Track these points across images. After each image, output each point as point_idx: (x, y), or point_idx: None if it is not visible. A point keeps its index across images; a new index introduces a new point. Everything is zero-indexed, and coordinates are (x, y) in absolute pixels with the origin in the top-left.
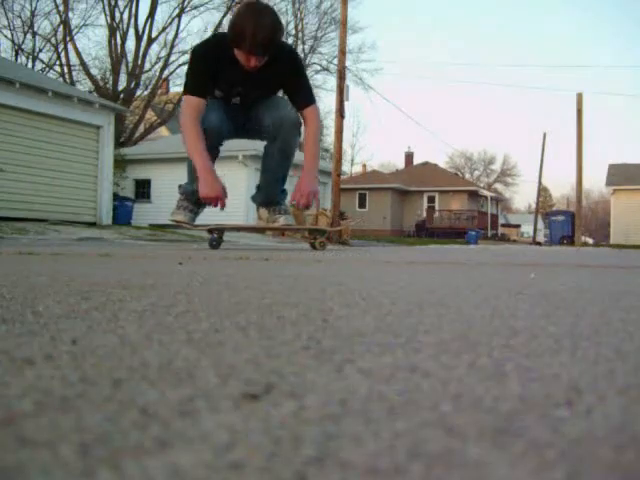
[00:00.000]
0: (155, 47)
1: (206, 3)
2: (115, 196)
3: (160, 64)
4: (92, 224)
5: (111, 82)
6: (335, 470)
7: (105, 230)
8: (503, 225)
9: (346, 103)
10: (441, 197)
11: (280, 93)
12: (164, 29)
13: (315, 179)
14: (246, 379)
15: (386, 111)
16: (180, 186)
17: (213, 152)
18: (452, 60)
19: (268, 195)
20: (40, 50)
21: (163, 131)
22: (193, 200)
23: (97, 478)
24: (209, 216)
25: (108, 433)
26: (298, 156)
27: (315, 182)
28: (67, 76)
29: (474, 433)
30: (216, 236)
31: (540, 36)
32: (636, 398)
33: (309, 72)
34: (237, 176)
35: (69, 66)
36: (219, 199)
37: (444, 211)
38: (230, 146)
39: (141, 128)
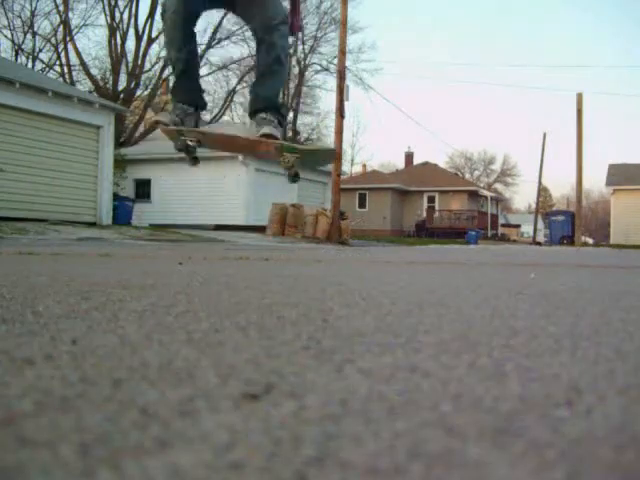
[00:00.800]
0: (155, 47)
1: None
2: (115, 196)
3: (160, 64)
4: (92, 224)
5: (111, 82)
6: (335, 470)
7: (105, 230)
8: (503, 225)
9: (346, 103)
10: (441, 197)
11: None
12: None
13: None
14: (246, 379)
15: (386, 111)
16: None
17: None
18: (452, 60)
19: (266, 100)
20: (40, 50)
21: None
22: (179, 99)
23: (97, 478)
24: (208, 216)
25: (108, 433)
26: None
27: None
28: (67, 76)
29: (474, 433)
30: (187, 142)
31: (540, 36)
32: (636, 398)
33: (309, 72)
34: (237, 176)
35: (69, 66)
36: None
37: (444, 211)
38: None
39: (141, 128)
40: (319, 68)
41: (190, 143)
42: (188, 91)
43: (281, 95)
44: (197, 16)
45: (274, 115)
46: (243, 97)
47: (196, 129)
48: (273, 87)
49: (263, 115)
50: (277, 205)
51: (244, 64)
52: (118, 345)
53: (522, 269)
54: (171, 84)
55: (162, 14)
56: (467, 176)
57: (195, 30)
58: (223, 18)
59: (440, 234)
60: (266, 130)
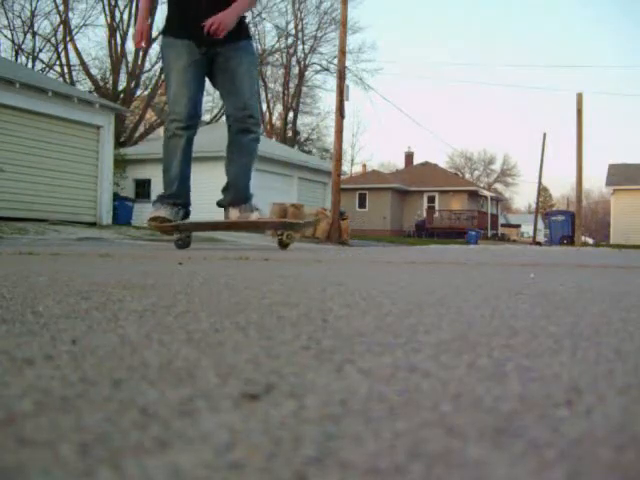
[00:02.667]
0: (155, 47)
1: None
2: (115, 196)
3: (160, 64)
4: (92, 224)
5: (111, 82)
6: (335, 470)
7: (105, 230)
8: (503, 225)
9: (346, 103)
10: (441, 197)
11: None
12: None
13: (234, 17)
14: (246, 379)
15: (386, 111)
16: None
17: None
18: (452, 60)
19: (237, 192)
20: (40, 50)
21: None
22: (169, 202)
23: (97, 478)
24: (208, 216)
25: (108, 433)
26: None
27: (233, 18)
28: (67, 76)
29: (474, 433)
30: (183, 235)
31: (540, 36)
32: (636, 398)
33: (309, 72)
34: None
35: (69, 66)
36: (139, 33)
37: (444, 211)
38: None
39: (141, 128)
40: (319, 68)
41: (183, 237)
42: (182, 197)
43: (247, 180)
44: (200, 117)
45: (252, 204)
46: None
47: (193, 222)
48: (244, 177)
49: (244, 206)
50: (277, 205)
51: None
52: (118, 345)
53: (522, 269)
54: (165, 191)
55: (169, 125)
56: (467, 176)
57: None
58: None
59: (440, 234)
60: (255, 216)
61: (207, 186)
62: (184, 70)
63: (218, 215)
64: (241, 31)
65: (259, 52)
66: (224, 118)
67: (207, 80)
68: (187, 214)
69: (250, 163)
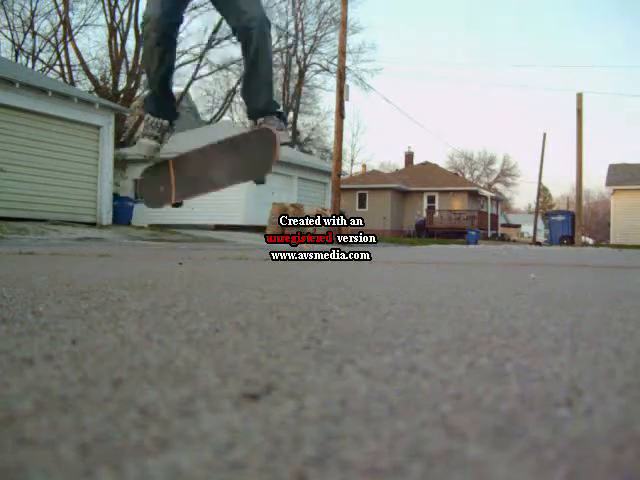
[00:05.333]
0: None
1: (206, 3)
2: (115, 196)
3: None
4: (92, 224)
5: (111, 82)
6: (335, 470)
7: (105, 230)
8: (503, 225)
9: (346, 103)
10: (441, 197)
11: None
12: None
13: None
14: (246, 379)
15: (386, 111)
16: (145, 101)
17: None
18: (452, 60)
19: (265, 101)
20: (40, 50)
21: None
22: (157, 122)
23: (97, 478)
24: (208, 216)
25: (108, 433)
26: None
27: None
28: (67, 76)
29: (474, 433)
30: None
31: (540, 36)
32: (636, 398)
33: (309, 72)
34: None
35: (69, 66)
36: None
37: (444, 211)
38: None
39: (141, 128)
40: (319, 68)
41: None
42: (165, 105)
43: (274, 94)
44: (179, 23)
45: (271, 117)
46: None
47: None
48: (260, 90)
49: (261, 119)
50: (277, 205)
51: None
52: (118, 345)
53: (522, 269)
54: (147, 98)
55: (143, 25)
56: (467, 176)
57: (177, 39)
58: (223, 19)
59: (440, 234)
60: (282, 137)
61: None
62: None
63: (220, 218)
64: None
65: None
66: (224, 117)
67: None
68: (172, 126)
69: (270, 68)
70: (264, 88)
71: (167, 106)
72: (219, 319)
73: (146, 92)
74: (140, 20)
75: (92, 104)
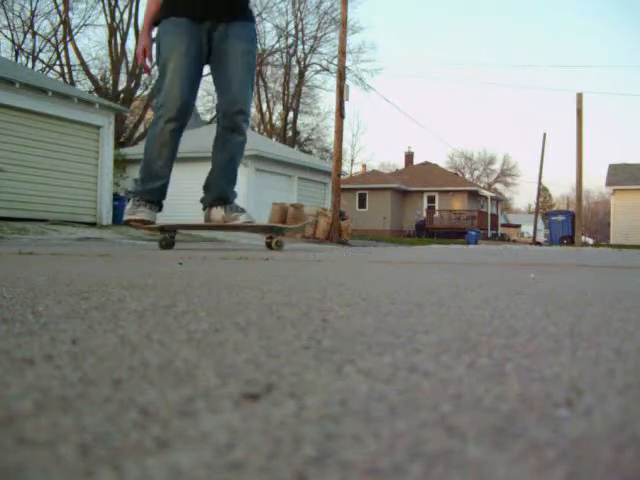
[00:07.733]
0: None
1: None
2: (115, 196)
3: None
4: (92, 224)
5: (111, 82)
6: (335, 470)
7: (105, 230)
8: (503, 225)
9: (346, 103)
10: (441, 197)
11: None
12: None
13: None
14: (246, 379)
15: (386, 111)
16: (135, 182)
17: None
18: (452, 60)
19: (221, 191)
20: (40, 50)
21: None
22: (147, 199)
23: (97, 478)
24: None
25: (108, 433)
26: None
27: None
28: (67, 76)
29: (474, 433)
30: (167, 236)
31: (540, 36)
32: (636, 398)
33: (309, 72)
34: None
35: (69, 66)
36: (143, 51)
37: (444, 211)
38: None
39: (141, 128)
40: (319, 68)
41: (168, 237)
42: (161, 194)
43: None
44: (193, 106)
45: (236, 204)
46: None
47: (179, 224)
48: (227, 175)
49: (229, 205)
50: (277, 205)
51: None
52: (118, 345)
53: (522, 269)
54: (142, 184)
55: (158, 112)
56: (467, 176)
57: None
58: None
59: (440, 234)
60: (243, 219)
61: None
62: (183, 55)
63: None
64: (246, 10)
65: (259, 52)
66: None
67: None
68: (161, 209)
69: (236, 163)
70: (226, 176)
71: (163, 195)
72: (219, 319)
73: (138, 175)
74: (148, 64)
75: (92, 104)
